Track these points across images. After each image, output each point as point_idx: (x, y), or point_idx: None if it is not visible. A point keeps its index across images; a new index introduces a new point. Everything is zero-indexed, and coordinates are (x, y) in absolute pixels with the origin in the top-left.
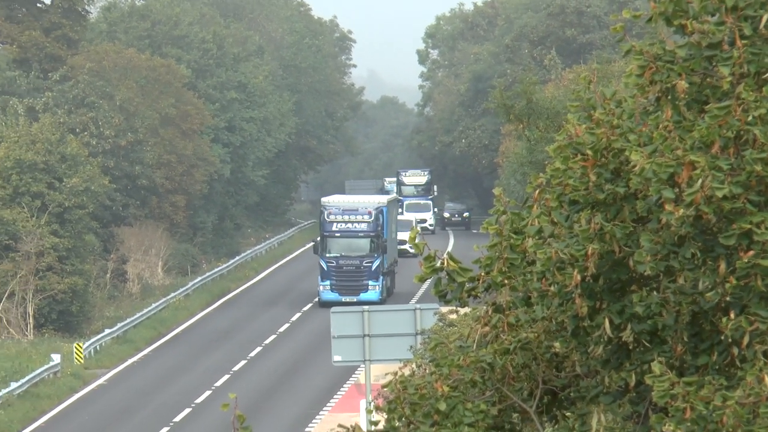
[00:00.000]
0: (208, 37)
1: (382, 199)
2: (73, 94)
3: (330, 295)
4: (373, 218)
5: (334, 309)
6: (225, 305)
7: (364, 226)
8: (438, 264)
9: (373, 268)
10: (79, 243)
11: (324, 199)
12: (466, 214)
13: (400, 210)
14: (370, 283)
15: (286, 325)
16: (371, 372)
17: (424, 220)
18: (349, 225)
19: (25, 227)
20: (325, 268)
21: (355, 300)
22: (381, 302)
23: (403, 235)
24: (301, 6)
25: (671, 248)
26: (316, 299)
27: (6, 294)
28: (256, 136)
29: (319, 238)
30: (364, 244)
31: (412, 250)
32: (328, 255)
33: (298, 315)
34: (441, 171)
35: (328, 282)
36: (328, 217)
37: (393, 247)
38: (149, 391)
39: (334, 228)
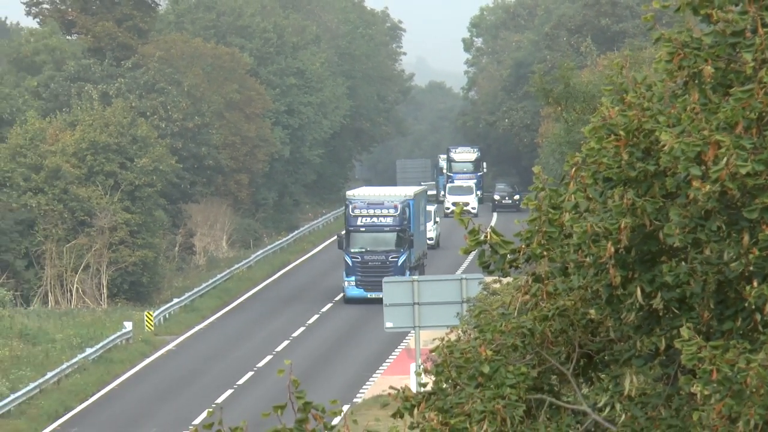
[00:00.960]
0: (268, 27)
1: (409, 192)
2: (144, 81)
3: (355, 291)
4: (399, 212)
5: (386, 279)
6: (285, 276)
7: (389, 220)
8: (482, 237)
9: (399, 263)
10: (149, 219)
11: (349, 193)
12: (516, 197)
13: (442, 193)
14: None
15: (342, 295)
16: (420, 337)
17: (467, 203)
18: (375, 219)
19: (99, 204)
20: (350, 264)
21: (381, 296)
22: None
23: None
24: None
25: (698, 221)
26: (342, 295)
27: (82, 266)
28: (313, 119)
29: (343, 232)
30: (390, 238)
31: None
32: (353, 250)
33: None
34: (485, 150)
35: (353, 278)
36: (353, 212)
37: (422, 240)
38: (214, 355)
39: (359, 222)
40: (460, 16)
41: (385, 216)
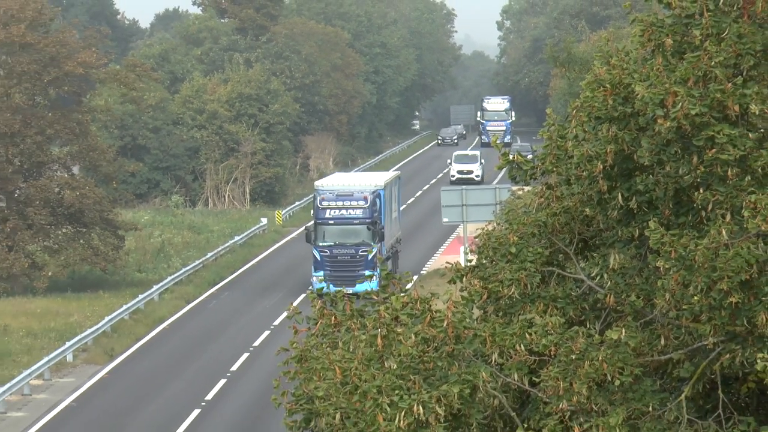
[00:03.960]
0: (361, 12)
1: (379, 181)
2: (274, 51)
3: (323, 285)
4: (369, 203)
5: (443, 188)
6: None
7: (359, 213)
8: (510, 157)
9: (370, 257)
10: (279, 146)
11: (317, 183)
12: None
13: (448, 161)
14: (367, 272)
15: (419, 193)
16: (467, 228)
17: (471, 171)
18: (344, 211)
19: (243, 136)
20: (319, 258)
21: (351, 291)
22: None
23: (470, 167)
24: None
25: (661, 147)
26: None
27: (231, 179)
28: (392, 77)
29: (312, 225)
30: (360, 231)
31: (477, 178)
32: (321, 244)
33: (425, 187)
34: (512, 99)
35: (321, 273)
36: (321, 203)
37: (395, 227)
38: None
39: (327, 215)
40: (496, 4)
41: (354, 208)
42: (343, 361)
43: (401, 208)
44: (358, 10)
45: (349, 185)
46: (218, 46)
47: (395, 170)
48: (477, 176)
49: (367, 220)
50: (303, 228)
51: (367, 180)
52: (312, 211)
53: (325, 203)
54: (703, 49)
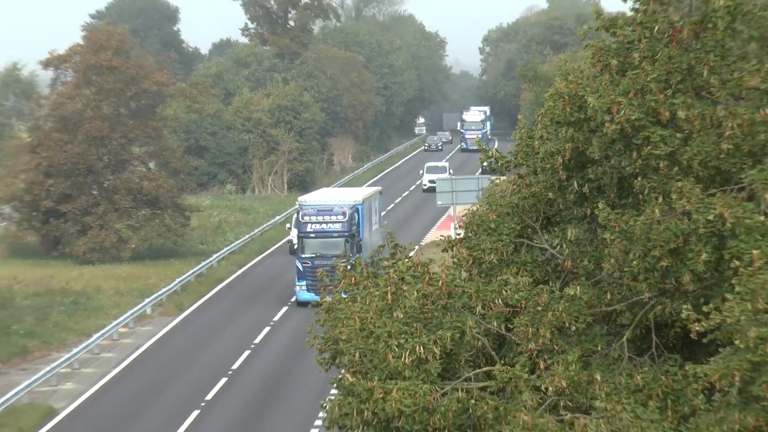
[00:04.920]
0: (373, 41)
1: (358, 197)
2: (305, 71)
3: (306, 296)
4: (347, 218)
5: (439, 178)
6: (384, 176)
7: (338, 227)
8: (490, 154)
9: (349, 268)
10: (309, 146)
11: (300, 198)
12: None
13: (421, 171)
14: None
15: (413, 187)
16: (457, 209)
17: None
18: (324, 225)
19: (282, 138)
20: (301, 269)
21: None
22: None
23: (433, 177)
24: (420, 25)
25: (608, 145)
26: (294, 299)
27: (272, 172)
28: (398, 91)
29: (293, 238)
30: (339, 244)
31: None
32: (303, 255)
33: (418, 182)
34: (492, 108)
35: (304, 282)
36: (302, 218)
37: (376, 238)
38: None
39: (308, 229)
40: (478, 34)
41: (333, 222)
42: (361, 312)
43: (390, 207)
44: (371, 39)
45: (329, 201)
46: (261, 67)
47: (377, 186)
48: None
49: (346, 234)
50: (292, 235)
51: (346, 196)
52: (287, 225)
53: (306, 218)
54: (641, 68)
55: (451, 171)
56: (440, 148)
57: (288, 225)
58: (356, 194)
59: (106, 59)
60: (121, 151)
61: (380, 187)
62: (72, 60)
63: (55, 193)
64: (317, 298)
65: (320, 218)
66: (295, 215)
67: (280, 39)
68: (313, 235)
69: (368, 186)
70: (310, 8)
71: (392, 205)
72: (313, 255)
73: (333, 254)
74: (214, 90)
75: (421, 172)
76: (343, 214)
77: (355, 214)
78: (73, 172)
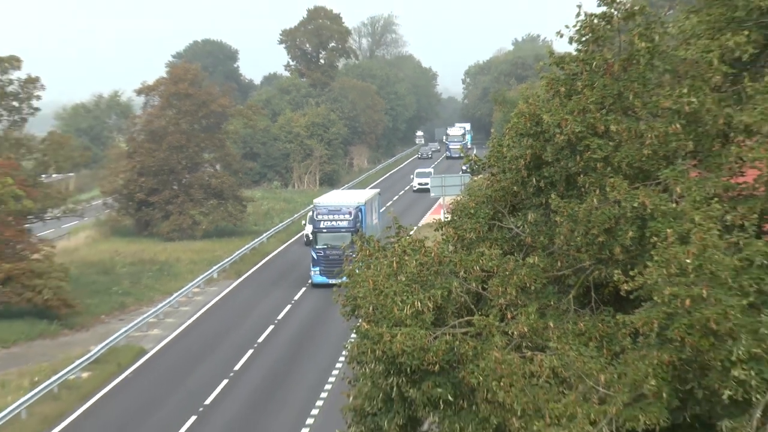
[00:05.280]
0: (382, 74)
1: (361, 199)
2: (332, 97)
3: (319, 278)
4: (353, 216)
5: (432, 175)
6: (388, 177)
7: (345, 223)
8: (470, 158)
9: (354, 256)
10: (335, 153)
11: (316, 200)
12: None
13: (411, 176)
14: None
15: (407, 187)
16: (446, 199)
17: (426, 183)
18: (334, 222)
19: (315, 147)
20: (315, 257)
21: (340, 282)
22: None
23: (425, 180)
24: (418, 62)
25: (558, 151)
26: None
27: (308, 172)
28: (401, 112)
29: (309, 232)
30: (346, 237)
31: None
32: (317, 246)
33: (412, 182)
34: (472, 124)
35: (317, 268)
36: (316, 216)
37: (375, 231)
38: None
39: (321, 225)
40: (461, 69)
41: (341, 220)
42: (373, 276)
43: (394, 199)
44: (381, 72)
45: (338, 203)
46: (299, 94)
47: (377, 188)
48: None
49: (351, 229)
50: (307, 231)
51: (351, 198)
52: (303, 222)
53: (319, 216)
54: (583, 93)
55: (433, 173)
56: (430, 156)
57: (303, 222)
58: (359, 197)
59: (183, 88)
60: (194, 157)
61: (379, 190)
62: (158, 89)
63: (146, 188)
64: (329, 281)
65: (331, 216)
66: (309, 214)
67: (313, 73)
68: (325, 230)
69: (370, 188)
70: (335, 50)
71: (390, 202)
72: (325, 246)
73: (341, 245)
74: (264, 111)
75: (411, 176)
76: (349, 213)
77: (359, 213)
78: (159, 172)
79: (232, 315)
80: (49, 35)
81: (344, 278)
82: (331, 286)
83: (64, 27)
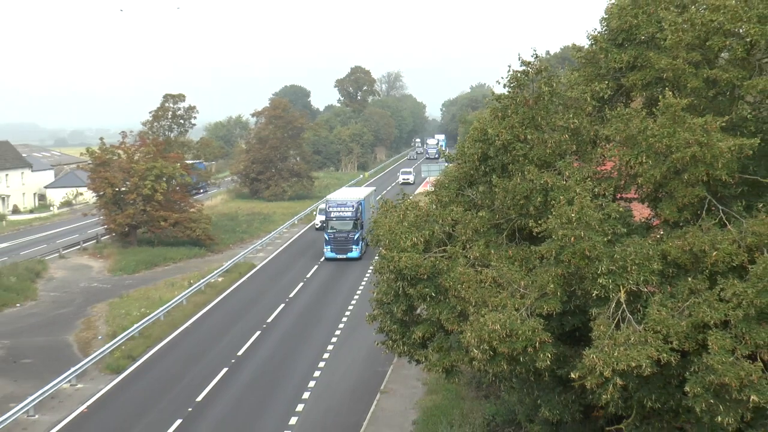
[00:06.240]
0: (394, 105)
1: (361, 195)
2: (364, 119)
3: (330, 254)
4: (355, 209)
5: (424, 167)
6: (387, 174)
7: (349, 214)
8: (446, 153)
9: (355, 238)
10: (366, 151)
11: (328, 196)
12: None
13: (398, 173)
14: (353, 246)
15: (401, 177)
16: (431, 178)
17: (408, 178)
18: (341, 212)
19: (354, 148)
20: (327, 239)
21: (344, 257)
22: (359, 258)
23: (408, 177)
24: (414, 98)
25: (497, 150)
26: (323, 258)
27: (350, 162)
28: (405, 127)
29: (323, 221)
30: (350, 223)
31: (411, 181)
32: (329, 230)
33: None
34: (447, 135)
35: (329, 246)
36: (328, 208)
37: (370, 220)
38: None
39: (332, 215)
40: (438, 103)
41: (347, 211)
42: (389, 222)
43: (388, 188)
44: (393, 104)
45: (344, 198)
46: (345, 116)
47: (373, 187)
48: (411, 181)
49: (354, 218)
50: (317, 221)
51: (354, 195)
52: (314, 212)
53: (330, 208)
54: (511, 117)
55: (414, 173)
56: (416, 158)
57: (315, 212)
58: (360, 193)
59: (279, 113)
60: (284, 152)
61: (374, 188)
62: (264, 113)
63: (255, 170)
64: (337, 256)
65: (339, 208)
66: (320, 206)
67: (353, 104)
68: (334, 219)
69: (366, 186)
70: (367, 91)
71: (385, 191)
72: (334, 230)
73: (346, 230)
74: (325, 126)
75: (398, 174)
76: (353, 206)
77: (359, 206)
78: (264, 161)
79: (306, 246)
80: (197, 74)
81: (349, 254)
82: (340, 260)
83: (204, 67)
